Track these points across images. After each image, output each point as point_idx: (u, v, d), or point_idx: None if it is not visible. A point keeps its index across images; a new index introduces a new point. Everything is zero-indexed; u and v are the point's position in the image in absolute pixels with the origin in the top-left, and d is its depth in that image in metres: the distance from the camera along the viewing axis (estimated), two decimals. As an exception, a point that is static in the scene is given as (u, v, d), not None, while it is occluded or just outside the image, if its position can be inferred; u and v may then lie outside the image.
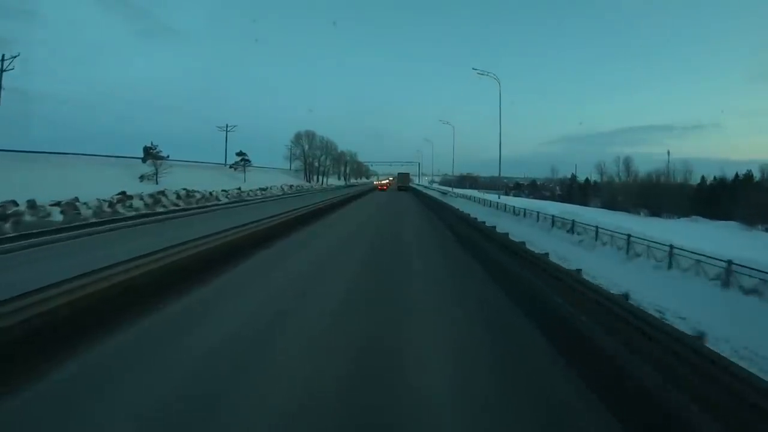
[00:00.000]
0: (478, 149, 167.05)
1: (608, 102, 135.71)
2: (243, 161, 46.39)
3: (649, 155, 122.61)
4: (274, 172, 68.53)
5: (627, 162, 71.91)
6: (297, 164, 73.86)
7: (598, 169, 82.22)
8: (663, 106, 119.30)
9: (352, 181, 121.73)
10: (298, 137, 70.64)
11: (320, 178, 76.92)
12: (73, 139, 46.74)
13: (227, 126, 50.80)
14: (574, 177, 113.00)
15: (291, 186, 50.51)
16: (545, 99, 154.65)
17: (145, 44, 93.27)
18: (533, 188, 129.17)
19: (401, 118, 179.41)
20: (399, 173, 63.16)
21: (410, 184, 60.09)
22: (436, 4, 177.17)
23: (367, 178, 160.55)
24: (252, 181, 47.08)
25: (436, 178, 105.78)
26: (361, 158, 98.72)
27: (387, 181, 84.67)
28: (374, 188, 67.22)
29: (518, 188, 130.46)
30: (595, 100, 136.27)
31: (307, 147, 71.88)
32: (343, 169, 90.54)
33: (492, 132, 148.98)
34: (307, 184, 67.38)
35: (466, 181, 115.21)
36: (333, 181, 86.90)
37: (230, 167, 47.28)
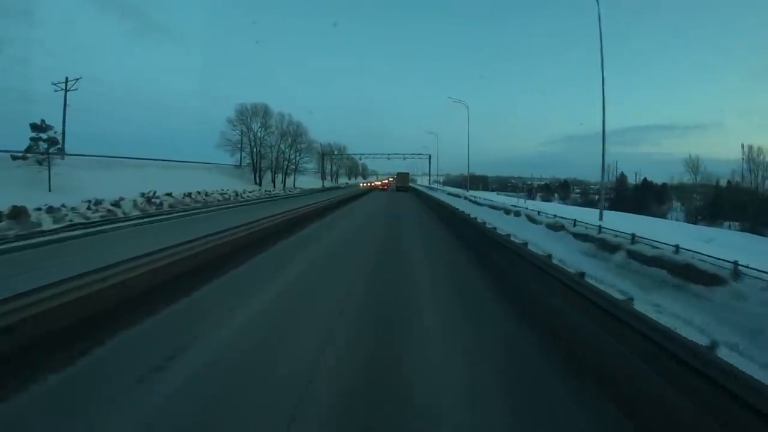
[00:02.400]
0: (481, 150, 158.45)
1: (609, 102, 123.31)
2: (42, 142, 20.21)
3: (649, 155, 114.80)
4: (202, 169, 43.12)
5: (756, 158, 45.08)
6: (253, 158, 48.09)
7: (690, 167, 56.55)
8: (664, 105, 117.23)
9: (343, 182, 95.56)
10: (242, 114, 45.03)
11: (282, 177, 51.14)
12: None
13: (66, 81, 25.11)
14: (623, 177, 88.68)
15: (150, 201, 23.49)
16: (545, 99, 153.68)
17: (142, 44, 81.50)
18: (564, 190, 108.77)
19: (402, 119, 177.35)
20: (398, 173, 58.95)
21: (410, 184, 57.66)
22: (436, 4, 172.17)
23: (364, 177, 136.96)
24: (82, 188, 21.64)
25: (440, 178, 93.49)
26: (354, 152, 71.46)
27: (387, 180, 73.04)
28: (364, 192, 42.63)
29: (546, 190, 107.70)
30: (596, 100, 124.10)
31: (257, 129, 46.16)
32: (320, 164, 64.20)
33: (495, 132, 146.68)
34: (255, 188, 41.67)
35: (477, 181, 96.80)
36: (308, 182, 61.04)
37: (23, 157, 20.95)
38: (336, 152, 69.05)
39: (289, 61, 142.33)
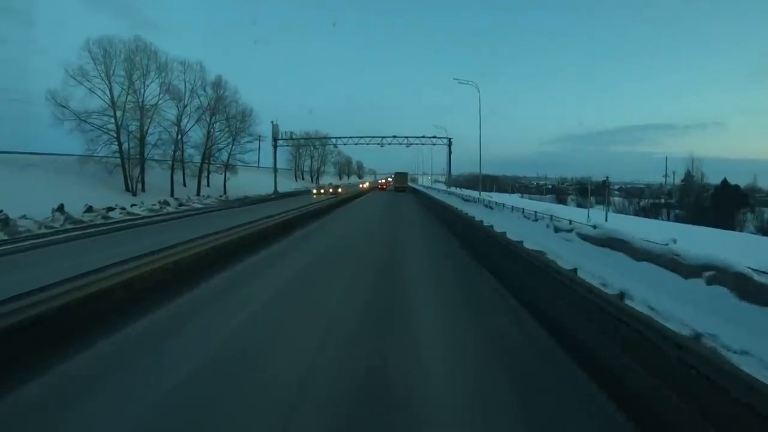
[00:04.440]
0: (485, 149, 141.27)
1: (609, 101, 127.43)
2: None
3: (649, 155, 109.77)
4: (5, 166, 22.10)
5: None
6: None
7: None
8: (664, 104, 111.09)
9: (327, 183, 73.97)
10: (101, 59, 23.68)
11: (198, 177, 29.33)
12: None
13: None
14: (691, 177, 67.38)
15: None
16: (545, 99, 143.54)
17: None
18: (603, 192, 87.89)
19: (402, 121, 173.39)
20: (396, 173, 58.39)
21: (412, 185, 59.34)
22: (437, 4, 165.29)
23: (360, 177, 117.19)
24: None
25: (441, 178, 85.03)
26: (337, 139, 47.27)
27: (384, 180, 70.19)
28: (329, 208, 21.94)
29: (582, 193, 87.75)
30: (596, 100, 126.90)
31: (130, 83, 24.70)
32: (273, 155, 41.72)
33: (495, 131, 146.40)
34: (136, 202, 20.27)
35: (486, 181, 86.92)
36: (262, 183, 39.67)
37: None
38: (304, 139, 46.67)
39: (287, 60, 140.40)
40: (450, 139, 37.76)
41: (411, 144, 38.28)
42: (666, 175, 71.85)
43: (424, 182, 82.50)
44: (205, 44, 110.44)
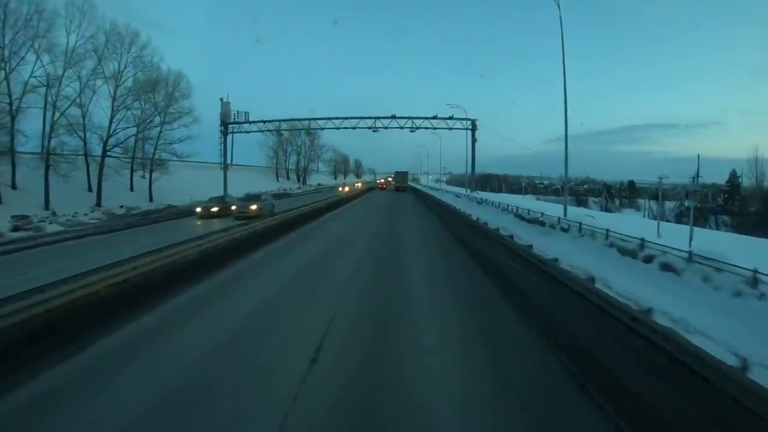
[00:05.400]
0: (490, 148, 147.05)
1: (609, 101, 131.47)
2: None
3: (649, 154, 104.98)
4: None
5: None
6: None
7: None
8: (664, 104, 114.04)
9: (314, 184, 64.27)
10: None
11: (97, 179, 19.73)
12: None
13: None
14: (736, 176, 58.65)
15: None
16: (545, 98, 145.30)
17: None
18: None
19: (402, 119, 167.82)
20: (396, 172, 60.09)
21: (415, 185, 61.45)
22: (436, 4, 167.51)
23: (358, 176, 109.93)
24: None
25: (443, 177, 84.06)
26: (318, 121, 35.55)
27: (382, 180, 67.55)
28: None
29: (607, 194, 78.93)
30: (596, 99, 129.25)
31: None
32: (222, 145, 31.21)
33: (494, 131, 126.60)
34: None
35: (492, 181, 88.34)
36: (212, 182, 30.34)
37: None
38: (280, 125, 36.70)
39: (288, 60, 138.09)
40: (473, 122, 27.94)
41: (416, 128, 28.63)
42: (695, 177, 63.50)
43: (428, 182, 74.40)
44: (202, 43, 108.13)
